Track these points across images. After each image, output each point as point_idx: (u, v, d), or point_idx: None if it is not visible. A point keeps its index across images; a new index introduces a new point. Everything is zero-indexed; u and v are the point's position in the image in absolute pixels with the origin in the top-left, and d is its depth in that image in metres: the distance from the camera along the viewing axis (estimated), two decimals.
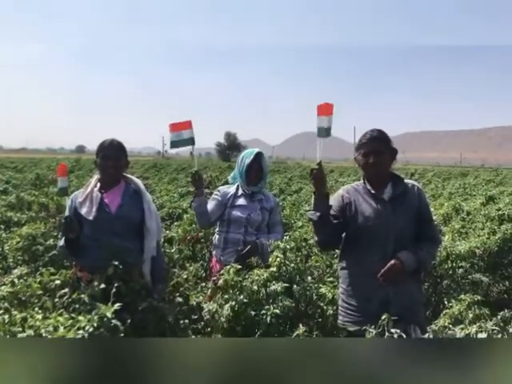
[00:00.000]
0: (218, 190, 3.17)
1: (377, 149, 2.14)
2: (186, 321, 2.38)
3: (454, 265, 3.67)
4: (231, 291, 2.23)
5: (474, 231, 4.47)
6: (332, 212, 2.18)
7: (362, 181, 2.28)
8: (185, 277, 2.54)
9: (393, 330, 1.57)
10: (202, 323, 2.41)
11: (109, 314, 1.94)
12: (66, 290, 2.36)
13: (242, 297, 2.18)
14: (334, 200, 2.25)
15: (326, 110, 2.11)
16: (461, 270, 3.74)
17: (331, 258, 3.29)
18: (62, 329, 1.86)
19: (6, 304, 2.23)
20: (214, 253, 3.18)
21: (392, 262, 2.07)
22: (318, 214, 2.11)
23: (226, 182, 3.59)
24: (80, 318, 1.93)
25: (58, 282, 2.48)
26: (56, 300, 2.33)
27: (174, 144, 2.90)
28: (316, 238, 2.30)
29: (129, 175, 2.77)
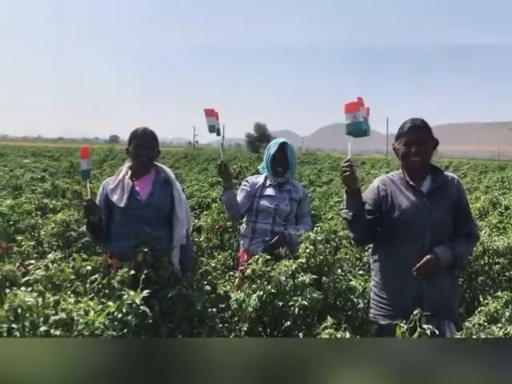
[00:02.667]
0: (247, 181, 3.16)
1: (420, 138, 2.05)
2: (214, 309, 2.38)
3: (491, 261, 3.53)
4: (259, 281, 2.21)
5: None
6: (367, 206, 2.11)
7: (399, 171, 2.20)
8: (213, 265, 2.53)
9: (425, 326, 1.51)
10: (230, 312, 2.41)
11: (138, 301, 1.97)
12: (97, 275, 2.41)
13: (269, 287, 2.16)
14: (369, 192, 2.18)
15: (357, 107, 2.02)
16: (497, 266, 3.60)
17: (361, 251, 3.22)
18: (92, 313, 1.91)
19: (41, 287, 2.29)
20: (241, 242, 3.17)
21: (428, 256, 2.00)
22: (351, 213, 2.05)
23: (257, 172, 3.58)
24: (110, 303, 1.97)
25: (89, 267, 2.53)
26: (87, 285, 2.39)
27: (211, 129, 2.93)
28: (351, 235, 2.24)
29: (159, 164, 2.78)
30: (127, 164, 2.71)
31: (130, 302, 1.98)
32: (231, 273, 2.62)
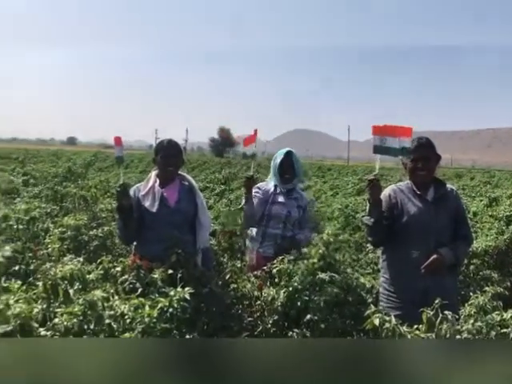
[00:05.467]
0: (259, 188, 3.35)
1: (425, 155, 2.41)
2: (239, 306, 2.64)
3: (467, 262, 3.97)
4: (286, 278, 2.48)
5: (481, 231, 4.78)
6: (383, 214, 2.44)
7: (406, 182, 2.55)
8: (238, 266, 2.78)
9: (446, 312, 1.84)
10: (254, 308, 2.66)
11: (187, 296, 2.19)
12: (126, 276, 2.60)
13: (296, 284, 2.44)
14: (382, 200, 2.51)
15: (404, 132, 2.26)
16: (472, 266, 4.05)
17: (358, 253, 3.57)
18: (147, 307, 2.11)
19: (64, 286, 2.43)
20: (249, 244, 3.39)
21: (434, 256, 2.35)
22: (372, 219, 2.38)
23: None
24: (161, 299, 2.18)
25: (118, 268, 2.71)
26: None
27: (245, 155, 3.28)
28: (370, 239, 2.56)
29: (182, 173, 3.01)
30: (154, 172, 2.92)
31: (178, 297, 2.21)
32: (249, 274, 2.86)
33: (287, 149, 3.39)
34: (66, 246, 3.67)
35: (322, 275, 2.55)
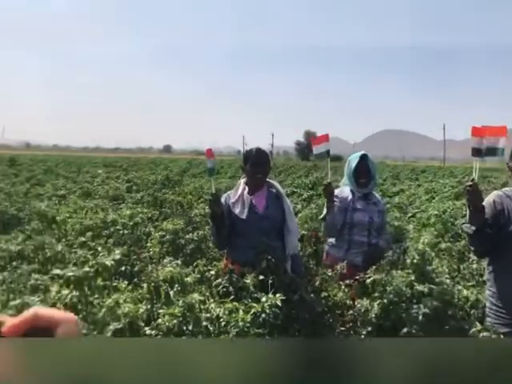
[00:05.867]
0: (336, 196, 3.20)
1: None
2: (331, 314, 2.60)
3: None
4: (381, 289, 2.40)
5: None
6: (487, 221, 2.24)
7: None
8: (330, 274, 2.75)
9: None
10: (347, 317, 2.61)
11: (278, 302, 2.22)
12: (220, 279, 2.69)
13: (391, 296, 2.34)
14: (486, 206, 2.31)
15: (499, 131, 2.16)
16: None
17: (460, 263, 3.33)
18: (241, 312, 2.18)
19: (165, 288, 2.58)
20: (329, 250, 3.29)
21: None
22: (473, 227, 2.20)
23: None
24: (253, 304, 2.23)
25: (212, 272, 2.83)
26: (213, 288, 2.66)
27: (317, 155, 3.15)
28: (473, 249, 2.38)
29: (270, 180, 3.06)
30: (243, 180, 3.00)
31: (270, 303, 2.25)
32: (341, 282, 2.81)
33: (362, 152, 3.28)
34: (165, 249, 3.93)
35: (420, 287, 2.42)
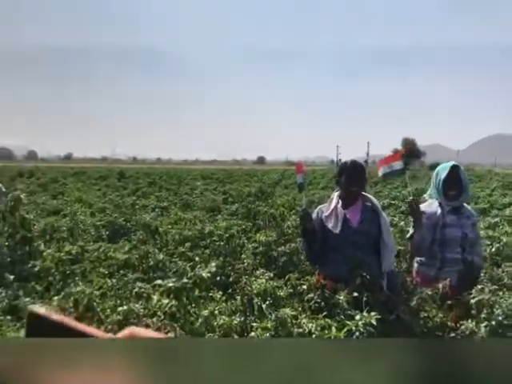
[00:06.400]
0: (423, 212, 3.00)
1: None
2: (430, 336, 2.44)
3: None
4: (489, 311, 2.20)
5: None
6: None
7: None
8: (429, 293, 2.59)
9: None
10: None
11: (373, 321, 2.15)
12: (312, 294, 2.67)
13: (500, 318, 2.14)
14: None
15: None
16: None
17: None
18: (334, 329, 2.14)
19: (258, 301, 2.62)
20: (419, 268, 3.10)
21: None
22: None
23: None
24: (347, 321, 2.18)
25: (304, 286, 2.82)
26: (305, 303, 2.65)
27: (385, 175, 3.03)
28: None
29: (365, 193, 2.97)
30: (336, 193, 2.96)
31: (364, 322, 2.18)
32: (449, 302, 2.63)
33: (452, 163, 3.05)
34: (258, 261, 4.01)
35: None
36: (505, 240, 4.53)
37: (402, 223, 5.29)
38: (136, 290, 2.20)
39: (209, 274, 1.98)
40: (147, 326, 1.92)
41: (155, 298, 2.06)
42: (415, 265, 3.22)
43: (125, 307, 1.95)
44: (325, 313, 2.33)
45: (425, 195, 3.27)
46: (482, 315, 2.20)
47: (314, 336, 2.20)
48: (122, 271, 2.84)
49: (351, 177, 2.83)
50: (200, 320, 1.87)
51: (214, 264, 2.22)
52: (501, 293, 2.34)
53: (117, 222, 5.02)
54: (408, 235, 3.12)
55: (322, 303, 2.58)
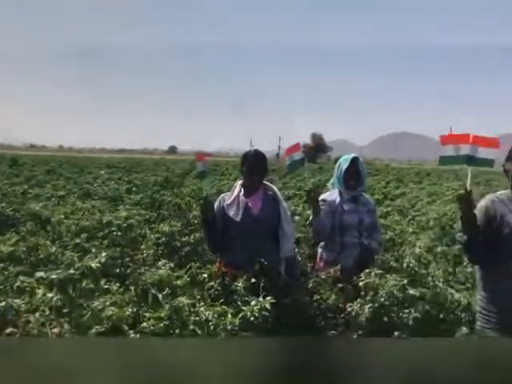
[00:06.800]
0: (324, 200, 3.20)
1: None
2: (322, 318, 2.58)
3: None
4: (372, 293, 2.38)
5: None
6: (479, 228, 2.22)
7: (507, 191, 2.29)
8: (323, 277, 2.73)
9: None
10: (338, 321, 2.59)
11: (267, 306, 2.21)
12: (213, 282, 2.68)
13: (382, 299, 2.32)
14: (478, 212, 2.28)
15: (490, 143, 2.17)
16: None
17: (456, 266, 3.30)
18: (229, 315, 2.16)
19: (154, 291, 2.56)
20: (322, 252, 3.27)
21: None
22: (465, 237, 2.19)
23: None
24: (243, 308, 2.22)
25: (205, 275, 2.81)
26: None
27: (289, 166, 3.19)
28: (467, 256, 2.36)
29: (266, 182, 3.04)
30: (240, 182, 2.99)
31: (259, 307, 2.23)
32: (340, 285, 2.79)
33: (352, 155, 3.28)
34: (160, 251, 3.92)
35: (412, 291, 2.40)
36: (395, 227, 4.95)
37: (309, 212, 5.53)
38: (18, 284, 2.02)
39: (98, 264, 1.87)
40: (28, 322, 1.78)
41: (40, 292, 1.91)
42: (319, 250, 3.36)
43: (2, 303, 1.79)
44: (222, 300, 2.35)
45: (328, 184, 3.46)
46: (368, 297, 2.37)
47: (210, 323, 2.20)
48: (4, 264, 2.59)
49: (253, 165, 2.88)
50: (89, 313, 1.77)
51: (104, 254, 2.11)
52: (388, 276, 2.55)
53: (4, 212, 4.58)
54: (308, 222, 3.27)
55: (222, 291, 2.60)
